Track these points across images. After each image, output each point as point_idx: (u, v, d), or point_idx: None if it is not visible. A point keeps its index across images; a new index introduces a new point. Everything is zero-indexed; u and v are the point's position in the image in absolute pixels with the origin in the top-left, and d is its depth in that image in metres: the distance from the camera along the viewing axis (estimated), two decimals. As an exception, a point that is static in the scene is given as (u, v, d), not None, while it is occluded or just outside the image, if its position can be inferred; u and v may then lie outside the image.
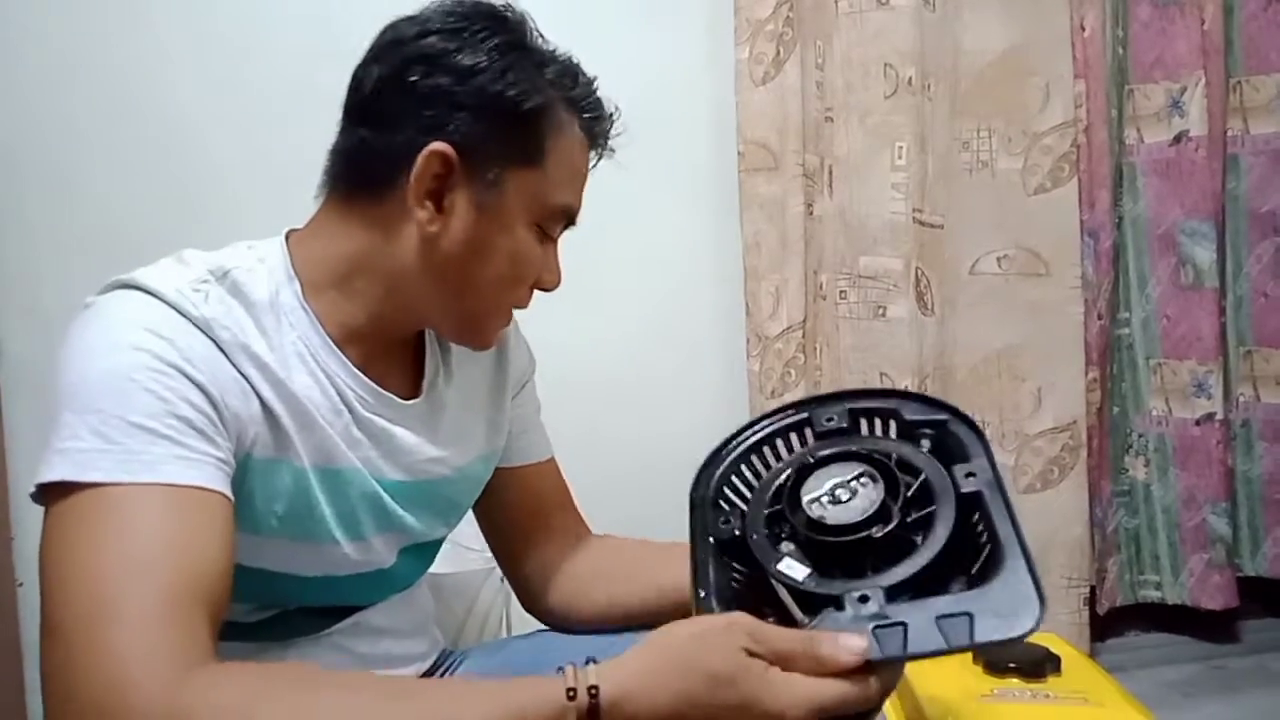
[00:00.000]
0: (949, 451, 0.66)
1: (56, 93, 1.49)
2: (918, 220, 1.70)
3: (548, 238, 0.77)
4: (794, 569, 0.61)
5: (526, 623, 1.00)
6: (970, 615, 0.55)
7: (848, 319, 1.74)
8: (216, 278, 0.69)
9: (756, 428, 0.73)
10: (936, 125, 1.70)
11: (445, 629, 1.34)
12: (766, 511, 0.66)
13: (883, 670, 0.56)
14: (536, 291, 0.80)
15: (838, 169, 1.70)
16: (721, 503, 0.69)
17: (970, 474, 0.63)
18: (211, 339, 0.66)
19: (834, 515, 0.62)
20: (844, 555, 0.61)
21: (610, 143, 0.81)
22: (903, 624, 0.55)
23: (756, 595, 0.64)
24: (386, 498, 0.77)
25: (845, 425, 0.70)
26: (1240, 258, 1.86)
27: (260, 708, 0.54)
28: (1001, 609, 0.55)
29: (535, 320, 1.63)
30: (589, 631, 0.89)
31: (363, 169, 0.74)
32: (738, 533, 0.66)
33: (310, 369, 0.72)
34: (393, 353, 0.80)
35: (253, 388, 0.68)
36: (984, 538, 0.60)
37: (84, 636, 0.55)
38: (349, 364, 0.75)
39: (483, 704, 0.55)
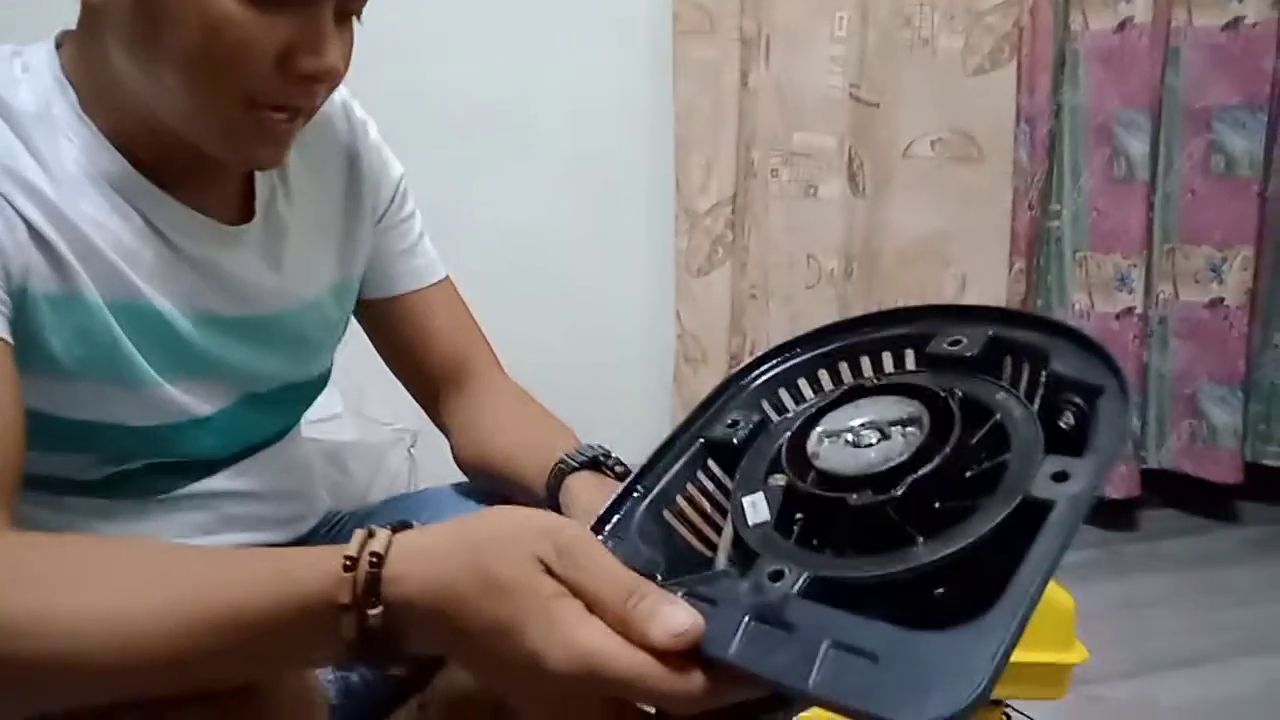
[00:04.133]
0: (1075, 435, 0.46)
1: None
2: (854, 97, 1.65)
3: (280, 3, 0.59)
4: (756, 509, 0.47)
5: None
6: (875, 660, 0.37)
7: (778, 198, 1.70)
8: None
9: (863, 329, 0.56)
10: (879, -4, 1.64)
11: (346, 496, 1.31)
12: (790, 432, 0.50)
13: (722, 676, 0.40)
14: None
15: (775, 37, 1.63)
16: (763, 402, 0.55)
17: (1062, 475, 0.42)
18: None
19: (828, 458, 0.46)
20: (816, 515, 0.46)
21: None
22: (783, 630, 0.40)
23: (708, 519, 0.52)
24: (204, 336, 0.69)
25: (973, 355, 0.50)
26: (1172, 153, 1.85)
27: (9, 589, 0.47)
28: (921, 673, 0.36)
29: (460, 174, 1.57)
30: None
31: None
32: (736, 442, 0.52)
33: (103, 191, 0.63)
34: (212, 171, 0.69)
35: (17, 212, 0.59)
36: (1006, 569, 0.40)
37: None
38: (151, 185, 0.65)
39: (255, 573, 0.48)
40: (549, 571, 0.42)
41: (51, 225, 0.60)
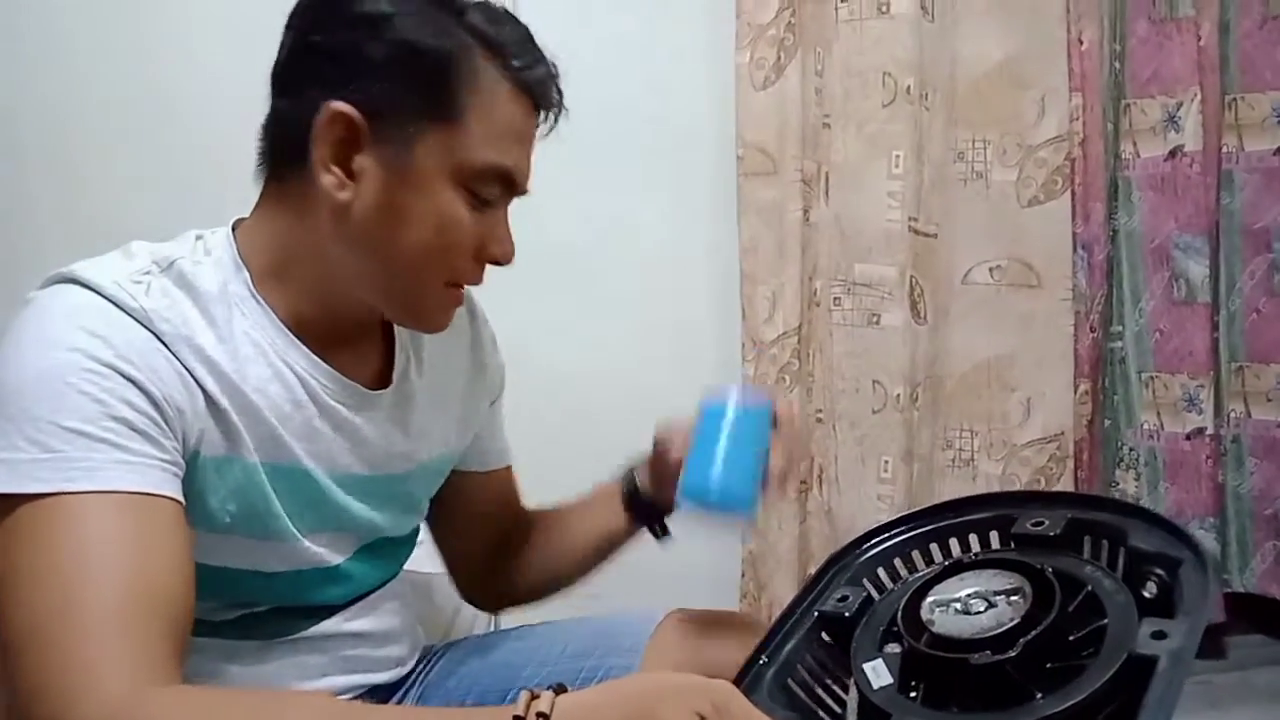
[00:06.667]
0: (1162, 601, 0.52)
1: (63, 74, 1.49)
2: (913, 229, 1.71)
3: (483, 202, 0.69)
4: (877, 674, 0.51)
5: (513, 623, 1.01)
6: None
7: (841, 326, 1.75)
8: (161, 268, 0.66)
9: (947, 514, 0.62)
10: (933, 135, 1.72)
11: (433, 627, 1.34)
12: (897, 606, 0.55)
13: None
14: (493, 268, 0.74)
15: (834, 176, 1.71)
16: (864, 580, 0.60)
17: (1160, 634, 0.47)
18: (152, 332, 0.63)
19: (944, 625, 0.51)
20: (938, 677, 0.50)
21: (560, 103, 0.73)
22: None
23: (828, 687, 0.56)
24: (341, 493, 0.75)
25: (1055, 534, 0.56)
26: (1234, 273, 1.87)
27: None
28: None
29: (529, 319, 1.64)
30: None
31: (279, 142, 0.71)
32: (848, 615, 0.57)
33: (268, 360, 0.69)
34: (359, 340, 0.77)
35: (198, 383, 0.65)
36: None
37: (33, 654, 0.54)
38: (309, 353, 0.72)
39: None
40: None
41: (224, 393, 0.66)
